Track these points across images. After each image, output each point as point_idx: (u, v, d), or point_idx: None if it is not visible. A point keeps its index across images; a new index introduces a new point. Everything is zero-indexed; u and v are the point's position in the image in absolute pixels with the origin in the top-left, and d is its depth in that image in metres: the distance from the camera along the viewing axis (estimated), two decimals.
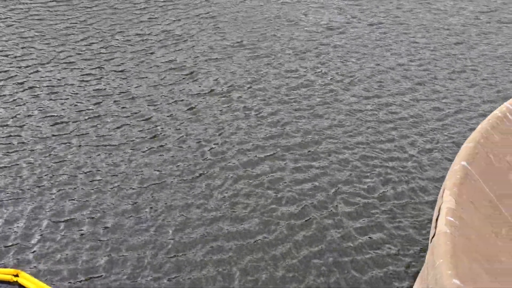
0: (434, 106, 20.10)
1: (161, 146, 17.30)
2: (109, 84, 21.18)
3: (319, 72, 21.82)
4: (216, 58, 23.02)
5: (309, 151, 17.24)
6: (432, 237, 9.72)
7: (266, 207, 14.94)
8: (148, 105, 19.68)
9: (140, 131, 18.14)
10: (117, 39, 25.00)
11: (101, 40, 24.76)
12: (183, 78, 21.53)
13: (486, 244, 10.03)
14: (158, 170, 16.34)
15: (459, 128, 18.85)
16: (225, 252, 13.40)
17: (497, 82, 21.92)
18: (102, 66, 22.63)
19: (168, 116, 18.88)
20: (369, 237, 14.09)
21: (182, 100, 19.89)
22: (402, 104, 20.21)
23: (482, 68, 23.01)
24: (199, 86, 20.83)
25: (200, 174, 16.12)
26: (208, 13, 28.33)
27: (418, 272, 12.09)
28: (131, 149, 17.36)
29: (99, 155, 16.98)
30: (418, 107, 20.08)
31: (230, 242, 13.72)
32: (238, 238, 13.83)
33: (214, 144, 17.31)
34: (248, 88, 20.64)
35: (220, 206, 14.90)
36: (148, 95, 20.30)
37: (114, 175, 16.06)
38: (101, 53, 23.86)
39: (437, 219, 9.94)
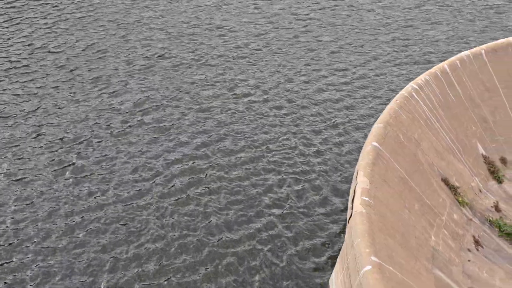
0: (344, 94, 20.71)
1: (85, 167, 16.50)
2: (21, 102, 19.77)
3: (237, 81, 21.69)
4: (139, 71, 22.19)
5: (232, 157, 17.27)
6: (349, 218, 9.99)
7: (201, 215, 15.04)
8: (69, 124, 18.52)
9: (64, 152, 17.20)
10: (22, 53, 23.75)
11: (7, 57, 23.26)
12: (103, 94, 20.41)
13: (400, 220, 10.44)
14: (81, 194, 15.68)
15: (369, 111, 19.52)
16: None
17: (402, 69, 22.85)
18: (15, 83, 21.08)
19: (91, 137, 17.87)
20: (291, 223, 14.37)
21: (107, 119, 18.86)
22: (316, 96, 20.72)
23: (390, 57, 23.89)
24: (121, 102, 19.92)
25: (128, 193, 15.73)
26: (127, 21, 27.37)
27: (338, 254, 12.38)
28: (56, 173, 16.72)
29: (15, 181, 15.99)
30: (329, 96, 20.64)
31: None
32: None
33: (135, 159, 16.91)
34: (171, 99, 20.10)
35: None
36: (63, 112, 19.18)
37: (49, 200, 15.30)
38: (12, 67, 22.16)
39: (352, 200, 10.21)
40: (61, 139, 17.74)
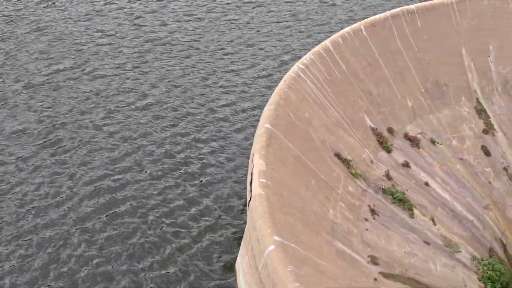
0: (234, 87, 21.03)
1: None
2: None
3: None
4: (31, 87, 21.02)
5: (129, 162, 17.15)
6: (249, 201, 10.23)
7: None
8: None
9: None
10: None
11: None
12: None
13: (299, 198, 10.82)
14: None
15: (258, 95, 19.95)
16: None
17: (286, 55, 23.51)
18: None
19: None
20: (195, 212, 14.49)
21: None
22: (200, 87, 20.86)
23: (275, 45, 24.44)
24: (17, 122, 18.84)
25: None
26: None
27: (241, 237, 12.65)
28: None
29: None
30: (219, 92, 20.84)
31: None
32: None
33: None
34: (63, 114, 19.23)
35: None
36: None
37: None
38: None
39: (250, 183, 10.45)
40: None
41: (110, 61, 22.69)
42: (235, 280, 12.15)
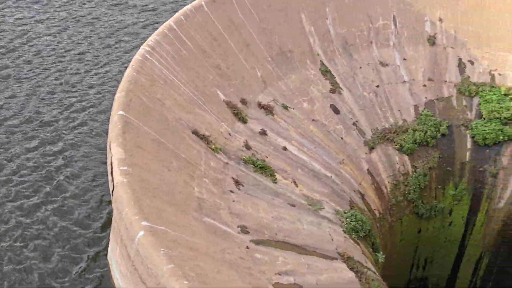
0: (75, 74, 20.47)
1: None
2: None
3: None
4: None
5: None
6: (112, 191, 10.16)
7: None
8: None
9: None
10: None
11: None
12: None
13: (162, 181, 10.93)
14: None
15: (106, 84, 19.62)
16: None
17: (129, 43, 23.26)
18: None
19: None
20: (56, 214, 14.10)
21: None
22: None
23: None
24: None
25: None
26: None
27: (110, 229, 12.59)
28: None
29: None
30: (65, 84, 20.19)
31: None
32: None
33: None
34: None
35: None
36: None
37: None
38: None
39: (111, 173, 10.37)
40: None
41: None
42: (110, 273, 12.07)
